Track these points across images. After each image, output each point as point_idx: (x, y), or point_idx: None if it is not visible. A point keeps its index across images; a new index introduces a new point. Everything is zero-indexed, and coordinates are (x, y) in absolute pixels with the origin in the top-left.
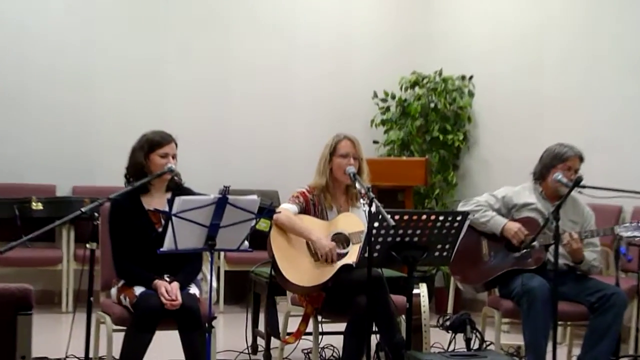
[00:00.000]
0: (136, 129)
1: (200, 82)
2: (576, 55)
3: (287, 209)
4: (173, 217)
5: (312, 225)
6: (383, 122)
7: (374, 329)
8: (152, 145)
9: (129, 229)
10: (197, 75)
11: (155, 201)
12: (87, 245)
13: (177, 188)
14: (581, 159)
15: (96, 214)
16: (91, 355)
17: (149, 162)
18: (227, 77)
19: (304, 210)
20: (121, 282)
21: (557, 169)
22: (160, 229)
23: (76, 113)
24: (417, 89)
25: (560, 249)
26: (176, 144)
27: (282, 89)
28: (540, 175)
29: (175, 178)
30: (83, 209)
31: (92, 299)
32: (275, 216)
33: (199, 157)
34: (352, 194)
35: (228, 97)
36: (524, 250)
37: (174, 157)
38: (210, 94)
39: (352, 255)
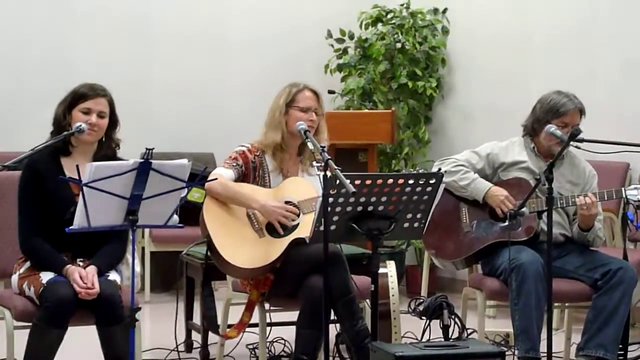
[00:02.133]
0: (34, 84)
1: (113, 20)
2: None
3: (221, 175)
4: (84, 188)
5: (254, 192)
6: (339, 68)
7: (332, 317)
8: (75, 97)
9: (42, 198)
10: (108, 12)
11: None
12: None
13: (106, 159)
14: (582, 112)
15: None
16: None
17: (70, 118)
18: (147, 14)
19: (242, 175)
20: (24, 267)
21: (551, 124)
22: None
23: None
24: (380, 26)
25: (556, 216)
26: (110, 102)
27: (215, 27)
28: (532, 129)
29: (113, 146)
30: None
31: None
32: (207, 184)
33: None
34: (305, 156)
35: (149, 40)
36: (512, 220)
37: (100, 115)
38: (127, 34)
39: (303, 228)
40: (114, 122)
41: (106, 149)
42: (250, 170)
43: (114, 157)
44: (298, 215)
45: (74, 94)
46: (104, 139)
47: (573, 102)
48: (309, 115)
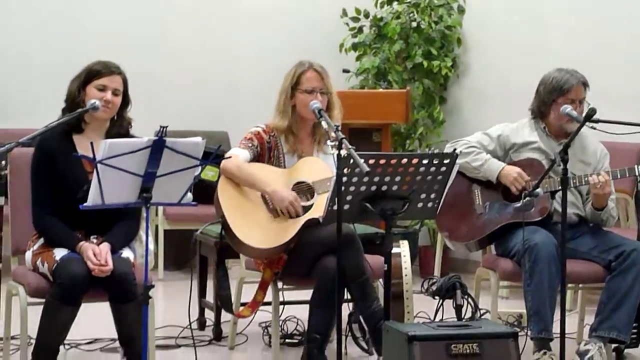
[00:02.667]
0: (50, 61)
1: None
2: None
3: (237, 155)
4: (98, 165)
5: (268, 175)
6: (354, 47)
7: (345, 297)
8: (89, 74)
9: (55, 176)
10: None
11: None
12: None
13: (119, 137)
14: (585, 85)
15: (4, 163)
16: (0, 334)
17: (84, 94)
18: None
19: (257, 156)
20: (37, 244)
21: (557, 104)
22: None
23: None
24: (395, 5)
25: (569, 196)
26: (124, 80)
27: (229, 5)
28: (540, 112)
29: (125, 125)
30: None
31: (0, 265)
32: (222, 163)
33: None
34: (319, 135)
35: (162, 17)
36: (526, 200)
37: (115, 93)
38: (142, 12)
39: (317, 209)
40: (126, 101)
41: (118, 127)
42: (265, 151)
43: (127, 135)
44: (312, 196)
45: (88, 70)
46: (115, 117)
47: (575, 76)
48: (314, 97)
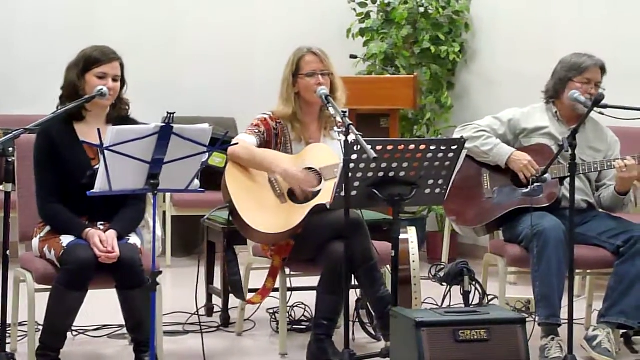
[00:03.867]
0: (60, 46)
1: None
2: None
3: (243, 141)
4: (106, 152)
5: (276, 158)
6: (362, 32)
7: (352, 283)
8: (88, 62)
9: (58, 164)
10: None
11: (93, 133)
12: (1, 188)
13: (120, 120)
14: (603, 69)
15: (11, 149)
16: (9, 321)
17: (84, 82)
18: None
19: (264, 142)
20: (45, 231)
21: (574, 82)
22: (97, 166)
23: None
24: None
25: (578, 183)
26: (122, 65)
27: None
28: (555, 92)
29: (125, 107)
30: None
31: (8, 252)
32: (230, 149)
33: (139, 79)
34: (325, 121)
35: (173, 4)
36: (534, 185)
37: (115, 79)
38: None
39: (325, 194)
40: (122, 83)
41: (119, 111)
42: (272, 137)
43: (127, 118)
44: (320, 182)
45: (86, 58)
46: (114, 101)
47: (593, 59)
48: (315, 80)
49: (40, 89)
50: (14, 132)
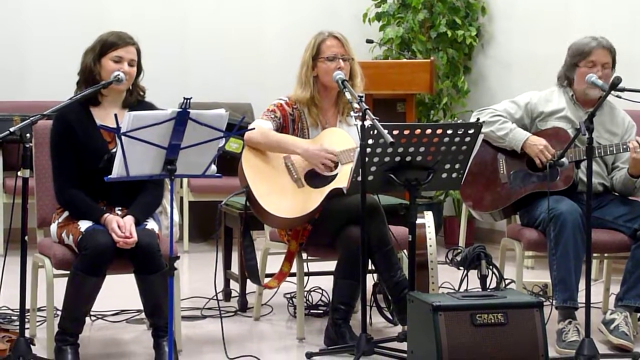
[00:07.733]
0: (70, 35)
1: None
2: None
3: (260, 126)
4: (123, 137)
5: (295, 140)
6: (378, 17)
7: (369, 267)
8: (104, 46)
9: (75, 149)
10: None
11: (110, 118)
12: (19, 174)
13: (137, 105)
14: (611, 51)
15: (28, 135)
16: (28, 306)
17: (100, 67)
18: None
19: (280, 127)
20: (63, 216)
21: (579, 67)
22: (114, 149)
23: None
24: None
25: (594, 166)
26: (138, 50)
27: None
28: (565, 78)
29: (140, 92)
30: (12, 129)
31: (26, 238)
32: (246, 134)
33: (154, 64)
34: (342, 105)
35: None
36: (552, 169)
37: (131, 64)
38: None
39: (342, 179)
40: (139, 70)
41: (135, 97)
42: (288, 123)
43: (144, 103)
44: (336, 166)
45: (103, 42)
46: (130, 87)
47: (596, 40)
48: (336, 64)
49: (52, 75)
50: (31, 118)
